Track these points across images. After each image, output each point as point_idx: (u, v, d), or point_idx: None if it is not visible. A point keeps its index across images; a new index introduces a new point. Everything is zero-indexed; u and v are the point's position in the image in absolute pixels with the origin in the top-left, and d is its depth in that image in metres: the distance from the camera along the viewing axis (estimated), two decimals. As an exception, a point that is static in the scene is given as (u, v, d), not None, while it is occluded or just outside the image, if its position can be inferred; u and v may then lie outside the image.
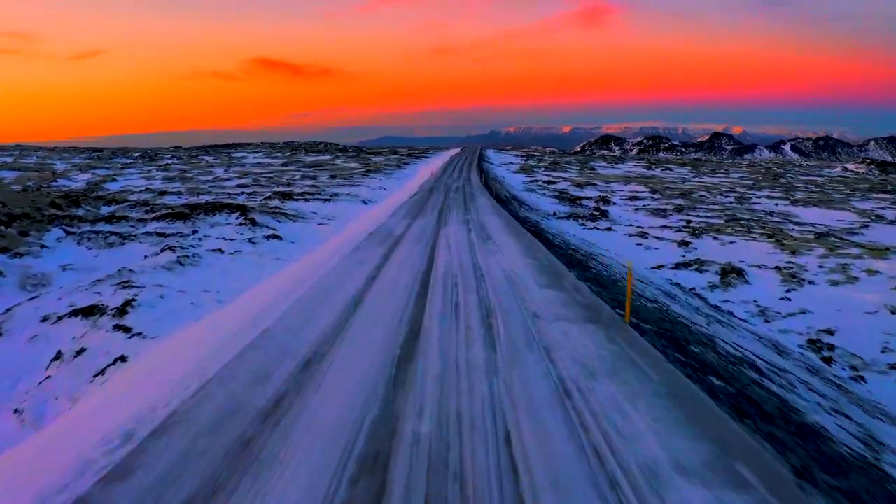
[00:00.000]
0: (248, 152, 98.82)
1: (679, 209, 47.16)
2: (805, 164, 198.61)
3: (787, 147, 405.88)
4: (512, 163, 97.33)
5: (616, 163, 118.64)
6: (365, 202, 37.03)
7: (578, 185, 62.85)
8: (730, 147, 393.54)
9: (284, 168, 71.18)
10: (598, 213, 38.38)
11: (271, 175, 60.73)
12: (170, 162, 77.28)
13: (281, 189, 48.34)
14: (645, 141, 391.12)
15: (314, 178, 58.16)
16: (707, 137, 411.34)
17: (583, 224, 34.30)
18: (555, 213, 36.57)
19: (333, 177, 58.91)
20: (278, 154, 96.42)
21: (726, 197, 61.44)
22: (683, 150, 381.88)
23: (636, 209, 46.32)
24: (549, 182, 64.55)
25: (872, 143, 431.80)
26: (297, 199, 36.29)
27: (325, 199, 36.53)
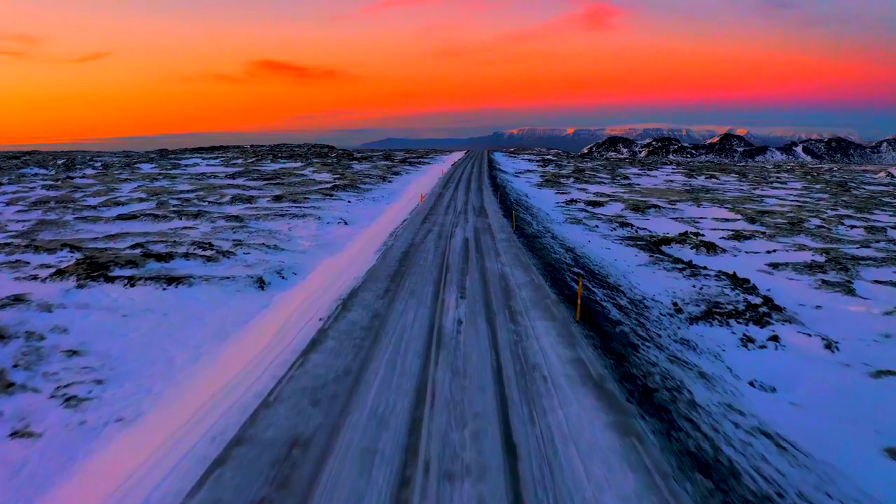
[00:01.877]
0: (205, 158, 78.61)
1: (838, 265, 26.76)
2: (836, 169, 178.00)
3: (798, 149, 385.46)
4: (529, 171, 76.91)
5: (649, 169, 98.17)
6: (263, 284, 16.72)
7: (636, 208, 42.48)
8: (741, 149, 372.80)
9: (228, 182, 51.10)
10: (763, 306, 18.04)
11: (192, 197, 40.63)
12: (76, 174, 57.16)
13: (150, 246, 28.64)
14: (654, 143, 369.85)
15: (249, 200, 37.99)
16: (717, 139, 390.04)
17: (754, 357, 14.24)
18: (677, 308, 16.43)
19: (279, 198, 38.70)
20: (240, 160, 76.22)
21: (850, 227, 41.14)
22: (694, 151, 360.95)
23: (771, 266, 26.02)
24: (592, 203, 44.22)
25: (885, 144, 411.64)
26: (117, 279, 16.17)
27: (173, 281, 16.31)
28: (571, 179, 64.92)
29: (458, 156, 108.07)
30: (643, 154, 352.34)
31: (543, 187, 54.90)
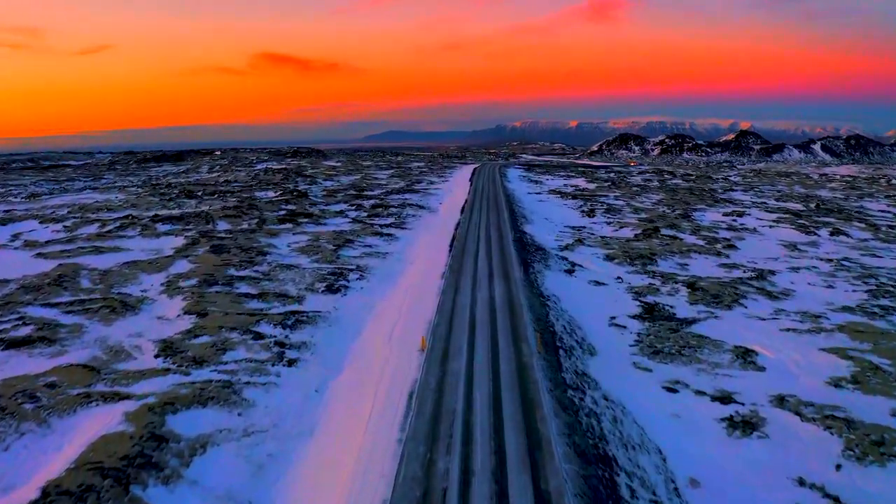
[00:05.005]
0: (43, 222, 46.19)
1: None
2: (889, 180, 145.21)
3: (817, 147, 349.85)
4: (582, 239, 43.72)
5: (738, 216, 65.02)
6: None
7: None
8: (757, 147, 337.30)
9: None
10: None
11: None
12: None
13: None
14: (667, 140, 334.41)
15: None
16: (733, 136, 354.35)
17: None
18: None
19: None
20: (90, 229, 43.54)
21: None
22: (709, 150, 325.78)
23: None
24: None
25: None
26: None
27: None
28: (676, 288, 32.21)
29: (459, 179, 75.28)
30: (656, 153, 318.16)
31: (673, 361, 22.14)
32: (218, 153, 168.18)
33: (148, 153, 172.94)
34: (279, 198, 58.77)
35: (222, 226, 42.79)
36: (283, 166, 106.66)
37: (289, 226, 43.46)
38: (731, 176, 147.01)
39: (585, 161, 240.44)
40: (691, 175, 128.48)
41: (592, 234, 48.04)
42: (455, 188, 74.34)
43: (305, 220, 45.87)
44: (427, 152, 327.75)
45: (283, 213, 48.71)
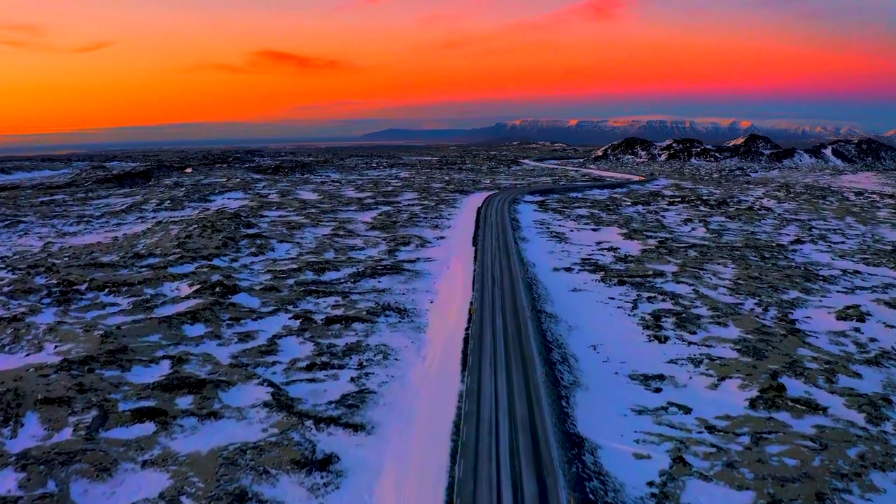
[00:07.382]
0: None
1: None
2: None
3: (828, 152, 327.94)
4: (701, 479, 22.95)
5: (857, 321, 44.75)
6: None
7: None
8: (767, 151, 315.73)
9: None
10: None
11: None
12: None
13: None
14: (675, 145, 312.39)
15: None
16: (742, 140, 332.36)
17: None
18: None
19: None
20: None
21: None
22: (718, 154, 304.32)
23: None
24: None
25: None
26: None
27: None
28: None
29: (459, 265, 54.80)
30: (663, 158, 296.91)
31: None
32: (189, 170, 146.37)
33: (114, 168, 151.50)
34: (192, 300, 38.22)
35: (26, 435, 22.26)
36: (243, 204, 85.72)
37: (149, 429, 22.97)
38: (764, 201, 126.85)
39: (594, 170, 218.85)
40: (729, 208, 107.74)
41: (685, 406, 27.68)
42: (453, 257, 54.10)
43: (189, 398, 25.29)
44: (426, 157, 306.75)
45: (157, 378, 27.85)
